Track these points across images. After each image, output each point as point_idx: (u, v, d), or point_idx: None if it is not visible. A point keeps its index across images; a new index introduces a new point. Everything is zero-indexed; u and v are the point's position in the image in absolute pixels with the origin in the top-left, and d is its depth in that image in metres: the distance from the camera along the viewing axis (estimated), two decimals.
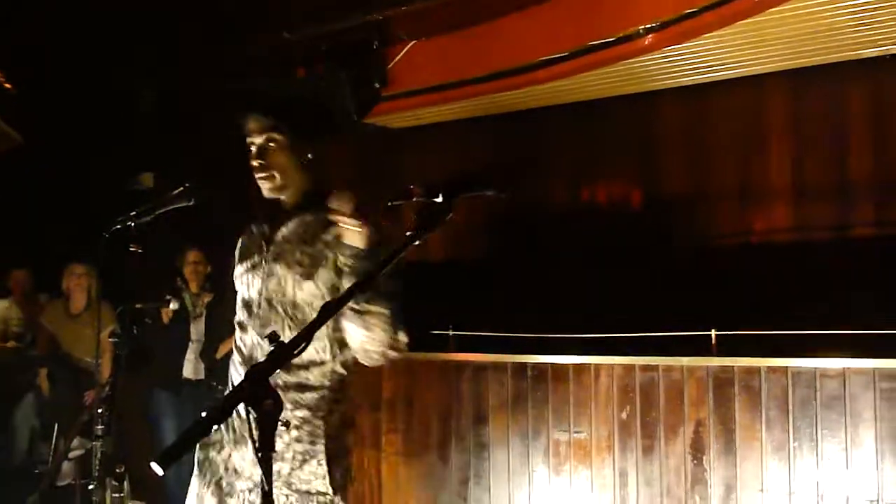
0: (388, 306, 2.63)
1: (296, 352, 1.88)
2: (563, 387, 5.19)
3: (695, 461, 4.79)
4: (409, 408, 5.79)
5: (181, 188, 2.83)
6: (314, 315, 1.99)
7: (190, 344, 6.52)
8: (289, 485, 2.69)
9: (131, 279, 2.73)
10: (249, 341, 2.84)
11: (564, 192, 6.62)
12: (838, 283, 5.21)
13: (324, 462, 2.70)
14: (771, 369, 4.60)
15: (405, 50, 6.27)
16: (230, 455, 2.81)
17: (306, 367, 2.73)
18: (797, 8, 4.60)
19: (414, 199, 2.49)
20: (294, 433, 2.70)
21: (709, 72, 5.62)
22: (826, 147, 5.64)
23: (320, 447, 2.71)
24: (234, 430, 2.81)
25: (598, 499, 5.08)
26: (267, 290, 2.81)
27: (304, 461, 2.70)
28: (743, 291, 5.56)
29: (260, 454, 1.76)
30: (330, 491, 2.69)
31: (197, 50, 7.09)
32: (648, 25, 5.02)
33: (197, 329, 6.53)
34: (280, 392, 2.55)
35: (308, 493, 2.68)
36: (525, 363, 5.34)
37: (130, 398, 6.65)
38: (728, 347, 4.88)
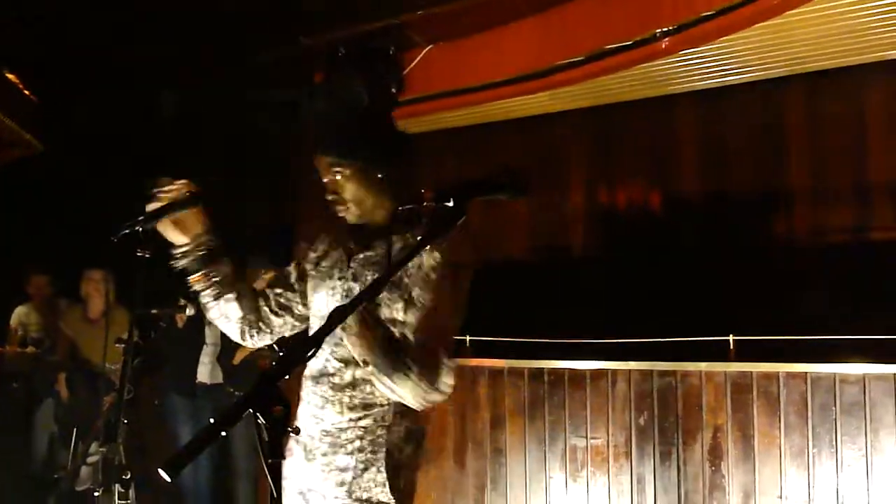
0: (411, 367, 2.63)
1: (306, 357, 1.88)
2: (580, 392, 5.16)
3: (713, 467, 4.76)
4: (425, 413, 5.77)
5: (187, 192, 2.82)
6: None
7: (205, 347, 6.51)
8: (350, 493, 2.72)
9: (142, 284, 2.72)
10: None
11: (581, 195, 6.60)
12: (858, 287, 5.17)
13: (384, 470, 2.71)
14: (790, 375, 4.56)
15: (422, 54, 6.27)
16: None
17: (371, 383, 2.73)
18: (816, 10, 4.57)
19: (425, 204, 2.48)
20: (357, 444, 2.73)
21: (726, 75, 5.59)
22: (845, 149, 5.60)
23: (381, 456, 2.73)
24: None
25: None
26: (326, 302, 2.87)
27: (365, 469, 2.72)
28: (761, 296, 5.52)
29: (269, 461, 1.75)
30: (392, 500, 2.71)
31: (215, 56, 7.11)
32: (665, 29, 4.99)
33: (213, 332, 6.52)
34: (345, 407, 2.68)
35: (369, 500, 2.71)
36: (542, 368, 5.32)
37: (145, 404, 6.69)
38: (746, 353, 4.85)
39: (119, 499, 2.37)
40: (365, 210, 2.89)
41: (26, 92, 7.66)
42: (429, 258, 2.73)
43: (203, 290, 2.92)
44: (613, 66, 5.38)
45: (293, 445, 2.90)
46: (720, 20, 4.79)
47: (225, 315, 2.97)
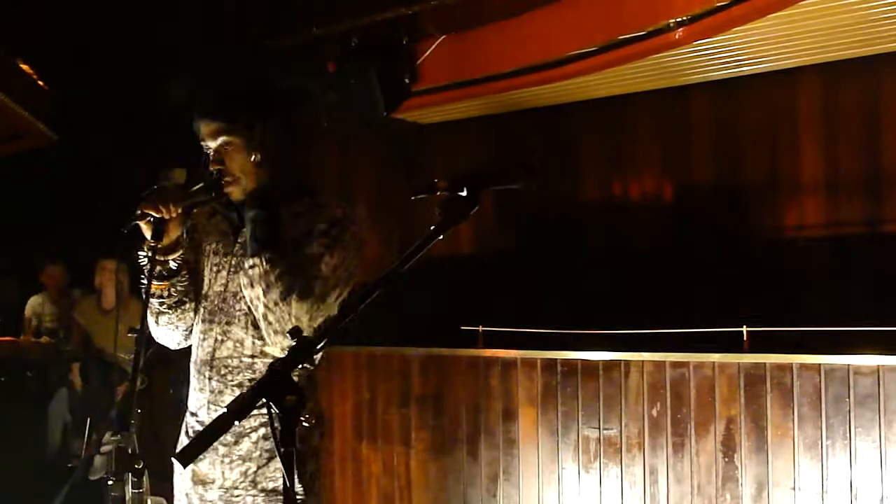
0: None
1: (318, 347, 1.88)
2: (593, 383, 5.16)
3: (726, 459, 4.75)
4: (438, 404, 5.78)
5: (201, 183, 2.74)
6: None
7: None
8: (255, 484, 2.64)
9: (151, 275, 2.62)
10: (201, 337, 2.78)
11: (594, 186, 6.59)
12: (872, 278, 5.15)
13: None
14: (803, 366, 4.55)
15: (435, 45, 6.26)
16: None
17: (264, 360, 2.64)
18: (828, 1, 4.55)
19: (438, 193, 2.48)
20: (262, 431, 2.63)
21: (740, 66, 5.57)
22: (859, 140, 5.58)
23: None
24: None
25: (628, 496, 5.05)
26: (233, 284, 2.70)
27: (270, 459, 2.64)
28: (775, 287, 5.51)
29: (282, 450, 1.75)
30: (300, 489, 2.58)
31: (229, 45, 7.12)
32: (679, 19, 4.98)
33: None
34: (237, 389, 2.55)
35: (275, 491, 2.63)
36: (554, 359, 5.31)
37: (160, 393, 6.71)
38: (760, 344, 4.83)
39: (133, 488, 2.36)
40: (250, 186, 2.70)
41: (40, 82, 7.68)
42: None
43: (162, 298, 2.73)
44: (627, 56, 5.38)
45: (184, 439, 2.83)
46: (733, 10, 4.78)
47: (174, 324, 2.80)
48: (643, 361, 5.02)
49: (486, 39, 6.07)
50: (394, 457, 5.88)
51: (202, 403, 2.74)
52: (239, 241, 2.73)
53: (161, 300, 2.73)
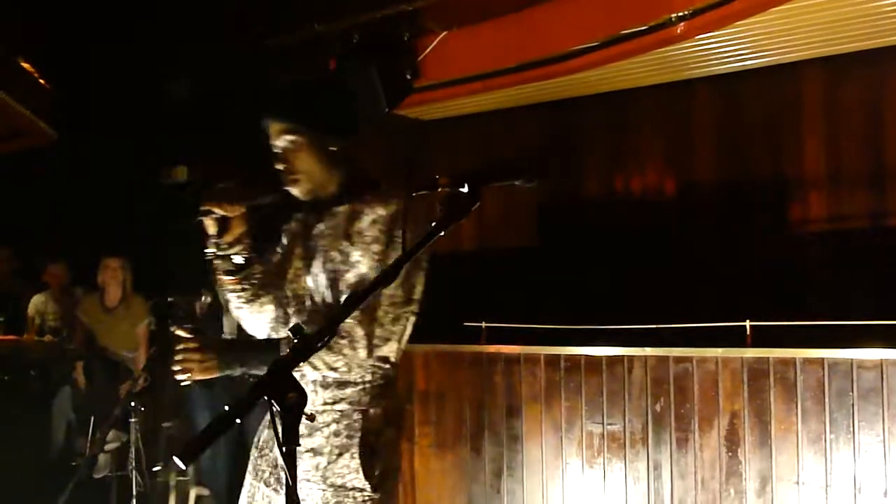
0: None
1: (319, 344, 1.87)
2: (597, 379, 5.15)
3: (729, 453, 4.74)
4: (441, 400, 5.78)
5: (274, 192, 2.79)
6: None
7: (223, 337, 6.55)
8: (324, 479, 2.66)
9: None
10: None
11: (597, 181, 6.59)
12: (875, 273, 5.14)
13: (356, 456, 2.65)
14: (807, 360, 4.54)
15: (436, 41, 6.25)
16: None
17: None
18: None
19: (440, 189, 2.47)
20: (333, 427, 2.68)
21: (743, 60, 5.56)
22: (862, 134, 5.57)
23: (356, 441, 2.66)
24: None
25: (632, 492, 5.05)
26: (314, 283, 2.79)
27: (340, 455, 2.66)
28: (778, 281, 5.50)
29: (284, 448, 1.75)
30: (367, 486, 2.64)
31: (229, 43, 7.11)
32: (681, 13, 4.97)
33: (230, 322, 6.54)
34: (318, 386, 2.63)
35: (343, 487, 2.64)
36: (558, 355, 5.31)
37: (166, 392, 6.72)
38: (763, 339, 4.83)
39: (136, 486, 2.38)
40: (315, 184, 2.79)
41: (41, 80, 7.68)
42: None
43: (236, 292, 2.85)
44: (630, 50, 5.37)
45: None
46: (735, 4, 4.77)
47: (256, 317, 2.90)
48: (646, 357, 5.02)
49: (488, 35, 6.06)
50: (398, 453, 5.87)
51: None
52: (311, 243, 2.83)
53: (237, 294, 2.84)
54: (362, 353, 2.63)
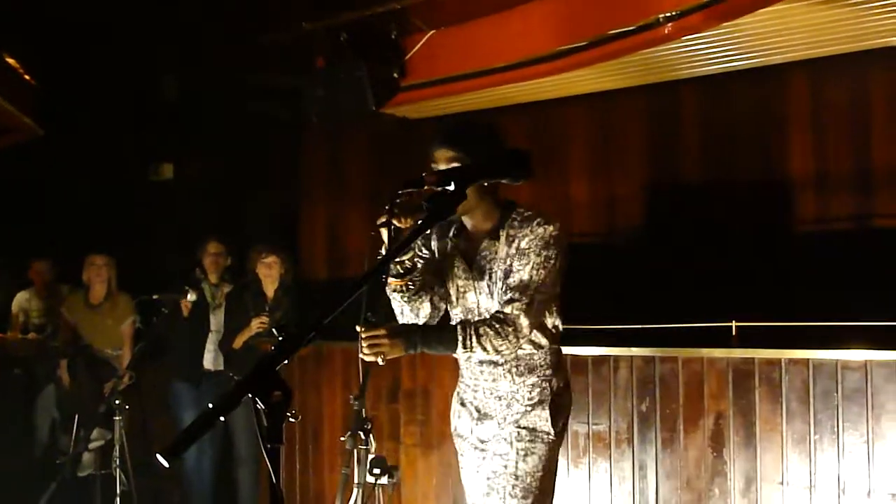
0: None
1: (305, 342, 1.87)
2: (582, 378, 5.16)
3: (715, 454, 4.75)
4: (427, 399, 5.78)
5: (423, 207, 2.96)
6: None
7: (210, 335, 6.53)
8: (516, 423, 3.33)
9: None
10: None
11: (582, 182, 6.59)
12: (860, 274, 5.15)
13: (547, 409, 3.33)
14: (792, 361, 4.55)
15: (424, 40, 6.24)
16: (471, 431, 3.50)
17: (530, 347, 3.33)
18: None
19: (426, 187, 2.46)
20: (528, 395, 3.34)
21: (729, 61, 5.57)
22: (848, 136, 5.58)
23: (546, 402, 3.34)
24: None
25: (618, 491, 5.06)
26: (477, 299, 3.37)
27: (534, 407, 3.33)
28: (764, 282, 5.51)
29: (268, 445, 1.74)
30: (552, 431, 3.32)
31: (216, 41, 7.10)
32: (668, 14, 4.97)
33: (217, 320, 6.53)
34: (514, 376, 3.37)
35: (534, 429, 3.31)
36: None
37: (152, 390, 6.71)
38: (748, 339, 4.84)
39: (120, 484, 2.37)
40: (468, 207, 3.22)
41: (26, 76, 7.64)
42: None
43: (401, 292, 3.34)
44: (616, 51, 5.36)
45: (459, 408, 3.54)
46: (722, 5, 4.76)
47: (414, 315, 3.43)
48: (632, 356, 5.03)
49: (475, 34, 6.05)
50: (383, 452, 5.86)
51: (476, 388, 3.47)
52: (476, 264, 3.36)
53: (400, 293, 3.36)
54: (525, 331, 3.22)
